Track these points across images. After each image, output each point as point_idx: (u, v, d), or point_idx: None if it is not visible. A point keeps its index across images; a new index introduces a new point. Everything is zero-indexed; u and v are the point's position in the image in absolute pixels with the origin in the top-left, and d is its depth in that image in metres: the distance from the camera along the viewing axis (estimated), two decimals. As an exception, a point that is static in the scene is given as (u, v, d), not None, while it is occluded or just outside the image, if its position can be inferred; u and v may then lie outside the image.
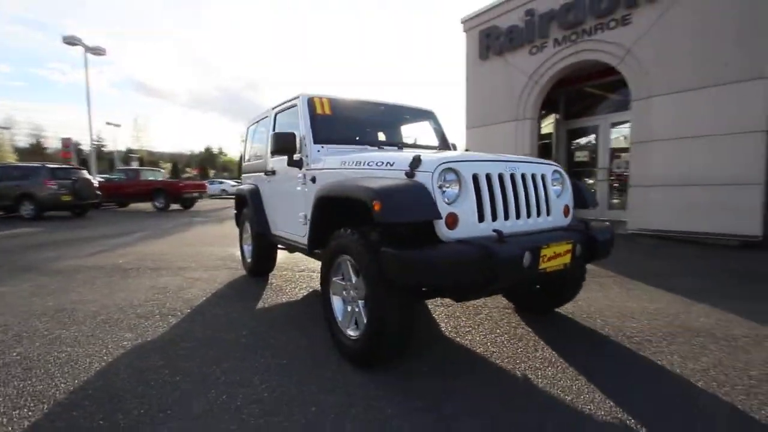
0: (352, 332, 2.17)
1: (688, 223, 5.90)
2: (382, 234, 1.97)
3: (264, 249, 3.95)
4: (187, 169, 55.52)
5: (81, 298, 3.43)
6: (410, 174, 1.96)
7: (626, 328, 2.63)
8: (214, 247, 6.12)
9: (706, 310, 2.97)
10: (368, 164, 2.29)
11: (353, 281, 2.15)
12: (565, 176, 2.54)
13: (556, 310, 2.97)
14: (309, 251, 2.77)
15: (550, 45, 7.40)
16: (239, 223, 4.54)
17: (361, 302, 2.09)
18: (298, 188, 3.02)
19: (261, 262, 4.04)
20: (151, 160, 48.74)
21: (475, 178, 2.03)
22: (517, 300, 3.08)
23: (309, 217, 2.71)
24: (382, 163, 2.20)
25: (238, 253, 5.33)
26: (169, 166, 49.73)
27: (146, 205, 14.35)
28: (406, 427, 1.59)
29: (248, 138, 4.60)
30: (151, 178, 14.15)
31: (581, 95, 8.55)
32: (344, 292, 2.26)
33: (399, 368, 2.09)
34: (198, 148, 64.26)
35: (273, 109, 3.70)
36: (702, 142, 5.76)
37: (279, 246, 3.93)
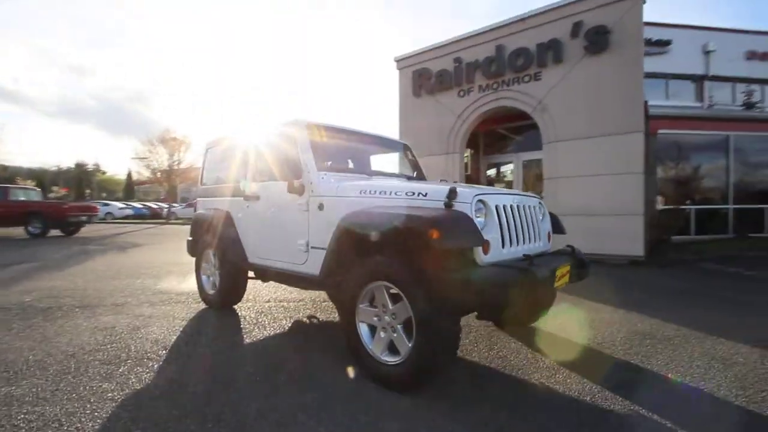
0: (388, 358, 2.20)
1: (592, 246, 7.09)
2: (424, 260, 2.09)
3: (236, 279, 3.67)
4: (54, 188, 46.86)
5: (8, 346, 2.77)
6: (449, 204, 2.14)
7: (592, 336, 3.12)
8: (143, 279, 5.38)
9: (639, 317, 3.66)
10: (396, 194, 2.40)
11: (390, 307, 2.20)
12: (545, 207, 2.99)
13: (531, 325, 3.35)
14: (319, 281, 2.71)
15: (476, 90, 8.41)
16: (196, 252, 4.14)
17: (400, 326, 2.15)
18: (298, 215, 2.95)
19: (231, 294, 3.74)
20: (5, 176, 40.08)
21: (497, 208, 2.30)
22: (496, 319, 3.39)
23: (324, 245, 2.67)
24: (413, 193, 2.35)
25: (180, 285, 4.83)
26: (30, 183, 41.47)
27: (14, 231, 11.83)
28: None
29: (207, 159, 4.29)
30: (23, 199, 11.74)
31: (498, 134, 9.78)
32: (375, 319, 2.29)
33: (437, 389, 2.17)
34: (66, 163, 54.80)
35: (250, 131, 3.57)
36: (597, 180, 7.06)
37: (250, 276, 3.72)
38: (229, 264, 3.60)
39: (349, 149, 3.50)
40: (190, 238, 4.25)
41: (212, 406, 1.99)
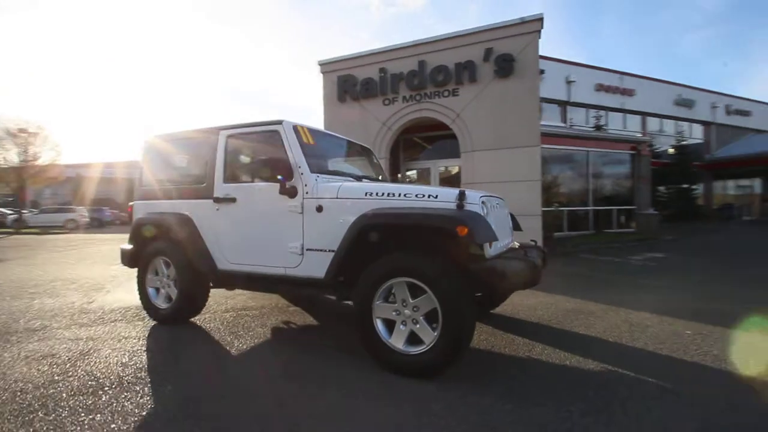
0: (410, 348, 2.36)
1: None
2: (447, 255, 2.33)
3: (198, 289, 3.37)
4: None
5: None
6: (461, 205, 2.41)
7: (540, 317, 3.71)
8: (41, 299, 4.46)
9: (563, 298, 4.44)
10: (405, 196, 2.58)
11: (410, 301, 2.37)
12: (507, 205, 3.49)
13: (491, 311, 3.83)
14: (324, 283, 2.70)
15: (400, 100, 8.93)
16: (137, 262, 3.65)
17: (422, 318, 2.34)
18: (289, 218, 2.90)
19: (191, 306, 3.41)
20: None
21: (491, 208, 2.66)
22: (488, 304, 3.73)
23: (324, 247, 2.70)
24: (423, 195, 2.55)
25: (101, 302, 4.23)
26: None
27: None
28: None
29: (150, 159, 3.82)
30: None
31: (416, 142, 10.50)
32: (394, 313, 2.43)
33: (446, 377, 2.40)
34: None
35: (220, 129, 3.33)
36: (506, 186, 8.14)
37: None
38: (191, 273, 3.29)
39: (329, 152, 3.53)
40: (129, 247, 3.72)
41: (257, 409, 1.90)
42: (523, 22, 7.88)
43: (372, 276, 2.45)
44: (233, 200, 3.17)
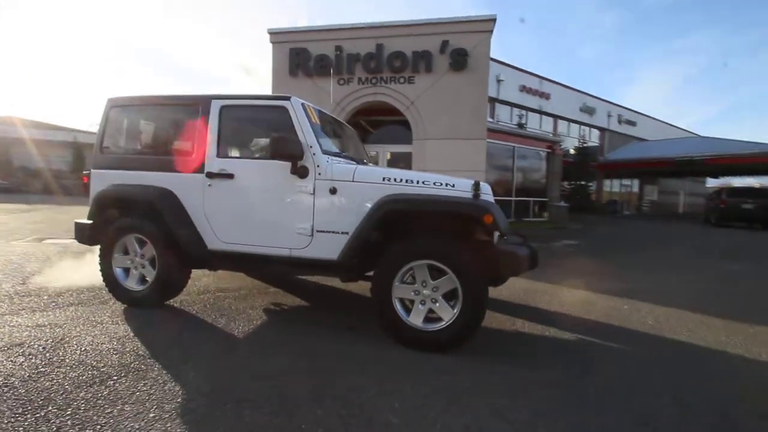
0: (428, 325, 2.54)
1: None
2: (467, 240, 2.53)
3: (179, 269, 3.13)
4: None
5: None
6: (477, 195, 2.63)
7: (505, 295, 4.15)
8: (-46, 279, 3.71)
9: (515, 279, 4.98)
10: (423, 183, 2.71)
11: (430, 282, 2.53)
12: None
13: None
14: (337, 264, 2.72)
15: (356, 81, 8.86)
16: (98, 239, 3.24)
17: (441, 297, 2.52)
18: (298, 198, 2.84)
19: (171, 287, 3.16)
20: None
21: (491, 198, 2.92)
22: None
23: (337, 229, 2.73)
24: (441, 183, 2.71)
25: (53, 281, 3.72)
26: None
27: None
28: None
29: (114, 120, 3.36)
30: None
31: (366, 125, 10.51)
32: (413, 293, 2.58)
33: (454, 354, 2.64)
34: None
35: (212, 98, 3.08)
36: (454, 174, 8.67)
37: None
38: (173, 252, 3.04)
39: (327, 132, 3.47)
40: (87, 222, 3.28)
41: (298, 388, 1.92)
42: (477, 20, 8.31)
43: (394, 258, 2.56)
44: (230, 176, 2.98)
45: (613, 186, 28.39)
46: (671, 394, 2.11)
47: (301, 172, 2.81)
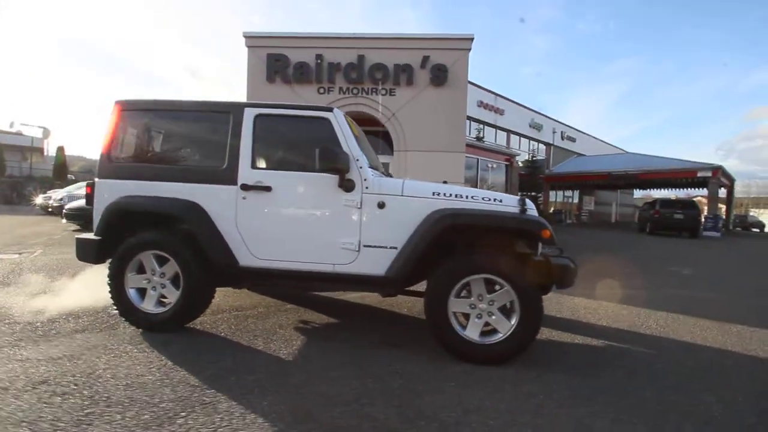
0: (485, 339, 2.57)
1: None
2: (521, 254, 2.62)
3: (208, 288, 2.90)
4: None
5: None
6: (523, 210, 2.73)
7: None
8: None
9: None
10: (473, 198, 2.77)
11: (486, 295, 2.58)
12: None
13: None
14: (384, 280, 2.68)
15: (336, 91, 8.81)
16: (105, 257, 2.92)
17: (497, 311, 2.58)
18: (343, 212, 2.76)
19: (196, 308, 2.91)
20: None
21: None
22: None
23: (386, 244, 2.69)
24: (489, 199, 2.78)
25: (40, 307, 3.30)
26: None
27: None
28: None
29: (131, 128, 3.07)
30: None
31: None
32: (468, 307, 2.61)
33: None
34: None
35: (245, 106, 2.91)
36: (433, 186, 8.87)
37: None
38: (201, 270, 2.82)
39: (363, 144, 3.41)
40: (92, 237, 2.93)
41: (384, 408, 1.86)
42: (456, 38, 8.65)
43: (451, 273, 2.57)
44: (267, 189, 2.83)
45: (557, 197, 30.56)
46: (700, 389, 2.32)
47: (347, 186, 2.74)
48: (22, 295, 3.63)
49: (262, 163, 2.92)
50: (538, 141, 26.85)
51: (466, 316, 2.65)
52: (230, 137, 2.89)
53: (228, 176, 2.86)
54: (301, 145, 2.99)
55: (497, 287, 2.58)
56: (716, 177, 19.98)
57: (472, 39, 8.73)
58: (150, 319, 2.86)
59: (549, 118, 27.31)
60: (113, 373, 2.19)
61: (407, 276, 2.68)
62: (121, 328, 2.90)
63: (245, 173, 2.84)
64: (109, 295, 2.90)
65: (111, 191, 2.97)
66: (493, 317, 2.59)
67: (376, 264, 2.73)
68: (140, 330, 2.87)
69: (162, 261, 2.88)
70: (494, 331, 2.59)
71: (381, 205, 2.76)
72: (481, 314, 2.61)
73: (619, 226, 27.47)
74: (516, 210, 2.73)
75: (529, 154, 25.61)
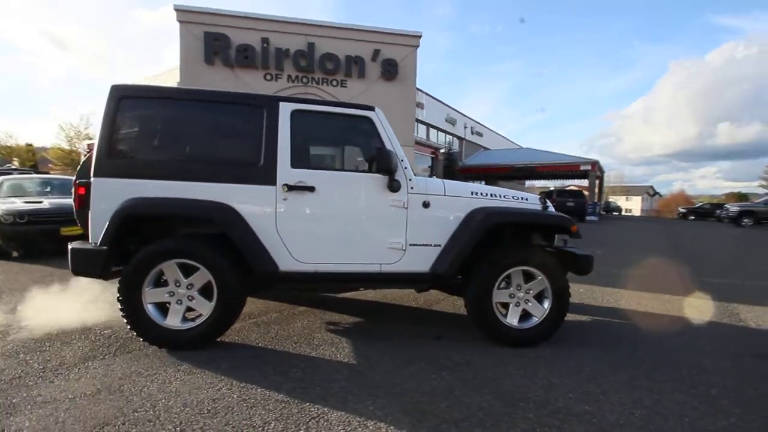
0: (523, 323, 2.86)
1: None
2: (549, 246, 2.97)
3: (242, 298, 2.69)
4: None
5: None
6: (545, 207, 3.08)
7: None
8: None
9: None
10: (504, 197, 3.02)
11: (524, 285, 2.87)
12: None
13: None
14: (431, 276, 2.79)
15: (285, 79, 8.36)
16: (131, 269, 2.50)
17: (533, 297, 2.88)
18: (389, 212, 2.79)
19: (231, 318, 2.67)
20: None
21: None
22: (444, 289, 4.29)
23: (431, 242, 2.81)
24: (517, 197, 3.07)
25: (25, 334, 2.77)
26: None
27: None
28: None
29: (136, 120, 2.63)
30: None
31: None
32: (509, 296, 2.87)
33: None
34: None
35: (280, 100, 2.71)
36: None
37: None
38: (237, 277, 2.60)
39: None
40: (96, 248, 2.48)
41: (500, 398, 2.02)
42: (405, 34, 8.85)
43: (497, 267, 2.80)
44: (311, 189, 2.70)
45: (467, 187, 33.16)
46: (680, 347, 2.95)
47: (394, 186, 2.77)
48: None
49: (300, 162, 2.77)
50: (453, 135, 28.72)
51: (505, 306, 2.91)
52: (266, 133, 2.68)
53: (265, 176, 2.66)
54: (342, 144, 2.92)
55: (531, 277, 2.88)
56: (594, 170, 23.78)
57: (420, 36, 9.02)
58: (178, 337, 2.55)
59: (461, 113, 29.35)
60: (182, 402, 1.95)
61: (456, 272, 2.83)
62: (137, 349, 2.54)
63: (285, 172, 2.67)
64: (121, 314, 2.51)
65: (114, 193, 2.52)
66: (529, 304, 2.90)
67: (422, 262, 2.83)
68: (156, 348, 2.54)
69: (188, 271, 2.58)
70: (529, 316, 2.91)
71: (426, 205, 2.85)
72: (519, 302, 2.89)
73: (519, 212, 30.96)
74: (538, 207, 3.06)
75: (445, 147, 27.28)
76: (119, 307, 2.50)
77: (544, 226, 3.10)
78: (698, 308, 4.07)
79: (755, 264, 7.48)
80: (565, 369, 2.51)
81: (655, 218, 33.96)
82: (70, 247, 2.52)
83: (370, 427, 1.80)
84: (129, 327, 2.53)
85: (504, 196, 3.04)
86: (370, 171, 2.78)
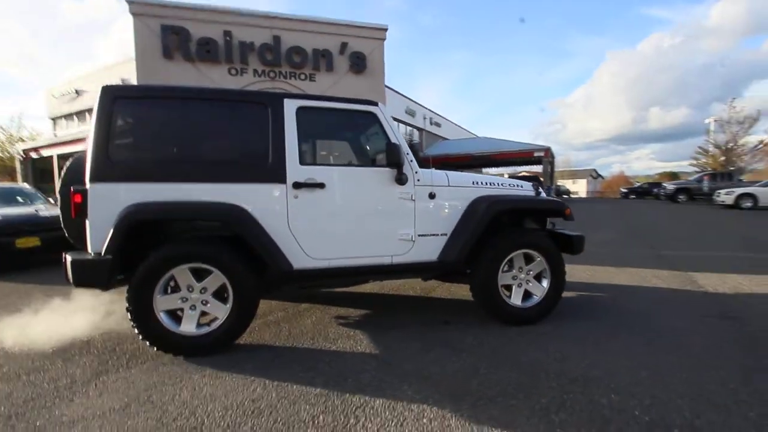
0: (525, 303, 3.06)
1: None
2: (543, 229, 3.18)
3: (257, 299, 2.65)
4: None
5: None
6: (538, 193, 3.29)
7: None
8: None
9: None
10: (502, 185, 3.19)
11: (524, 266, 3.06)
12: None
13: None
14: (438, 265, 2.90)
15: (250, 73, 8.08)
16: (139, 277, 2.38)
17: (533, 278, 3.08)
18: (398, 205, 2.86)
19: (247, 321, 2.63)
20: None
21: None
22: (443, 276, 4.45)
23: (438, 231, 2.93)
24: (513, 185, 3.25)
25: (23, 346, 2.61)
26: None
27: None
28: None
29: (131, 120, 2.48)
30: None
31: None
32: (512, 279, 3.05)
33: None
34: None
35: (284, 97, 2.68)
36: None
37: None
38: (252, 279, 2.57)
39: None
40: (98, 257, 2.34)
41: (532, 373, 2.18)
42: (372, 27, 8.86)
43: (501, 251, 2.96)
44: (320, 186, 2.71)
45: (428, 177, 33.78)
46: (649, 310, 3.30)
47: (402, 179, 2.84)
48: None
49: (308, 159, 2.76)
50: (413, 126, 29.06)
51: (508, 288, 3.09)
52: (272, 131, 2.64)
53: (274, 174, 2.63)
54: (347, 139, 2.93)
55: (530, 260, 3.08)
56: (547, 156, 25.13)
57: (386, 29, 9.06)
58: (194, 343, 2.49)
59: (420, 105, 29.73)
60: (221, 406, 1.93)
61: (465, 259, 2.95)
62: (150, 359, 2.45)
63: (294, 170, 2.66)
64: (132, 325, 2.40)
65: (115, 198, 2.40)
66: (530, 284, 3.10)
67: (430, 251, 2.94)
68: (172, 357, 2.47)
69: (201, 275, 2.51)
70: (530, 296, 3.11)
71: (432, 196, 2.95)
72: (521, 283, 3.08)
73: (479, 200, 32.07)
74: (532, 193, 3.26)
75: (406, 138, 27.56)
76: (129, 318, 2.39)
77: (540, 211, 3.31)
78: (661, 278, 4.52)
79: (698, 236, 8.32)
80: (570, 341, 2.72)
81: (601, 199, 36.49)
82: (68, 258, 2.36)
83: (415, 410, 1.88)
84: (141, 337, 2.42)
85: (501, 185, 3.21)
86: (376, 165, 2.83)
